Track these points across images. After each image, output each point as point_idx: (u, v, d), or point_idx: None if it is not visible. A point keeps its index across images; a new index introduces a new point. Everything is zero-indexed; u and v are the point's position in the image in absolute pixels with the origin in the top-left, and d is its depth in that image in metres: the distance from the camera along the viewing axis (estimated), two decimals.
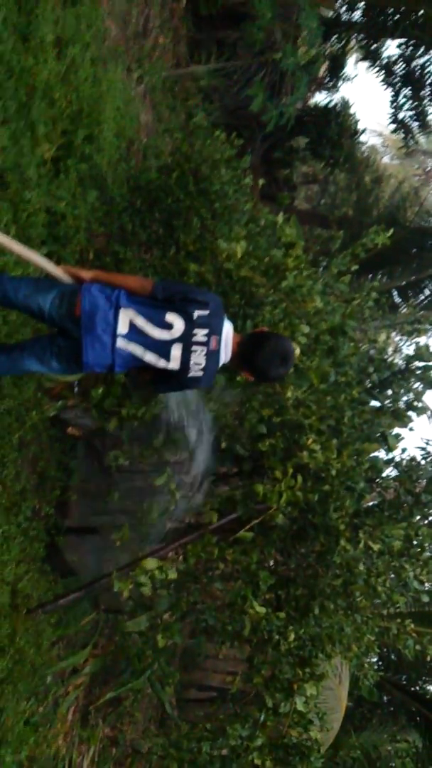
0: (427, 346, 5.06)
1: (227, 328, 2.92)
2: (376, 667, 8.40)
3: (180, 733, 4.54)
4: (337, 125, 12.05)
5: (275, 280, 4.38)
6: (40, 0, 4.40)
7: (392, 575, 4.43)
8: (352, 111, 12.55)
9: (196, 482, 4.90)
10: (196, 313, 2.80)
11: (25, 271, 4.09)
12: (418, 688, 9.36)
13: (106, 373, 2.96)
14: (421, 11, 10.78)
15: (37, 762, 4.27)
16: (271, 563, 4.96)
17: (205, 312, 2.82)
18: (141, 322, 2.78)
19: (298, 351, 3.80)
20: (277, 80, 8.98)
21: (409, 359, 4.93)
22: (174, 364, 2.82)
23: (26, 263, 4.09)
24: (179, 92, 8.50)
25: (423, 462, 5.05)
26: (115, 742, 5.74)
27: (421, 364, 4.98)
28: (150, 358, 2.80)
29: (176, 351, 2.80)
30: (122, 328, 2.76)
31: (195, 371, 2.85)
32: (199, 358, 2.83)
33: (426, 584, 4.47)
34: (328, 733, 5.91)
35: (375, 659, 8.76)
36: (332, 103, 12.66)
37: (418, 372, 4.94)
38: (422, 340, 5.70)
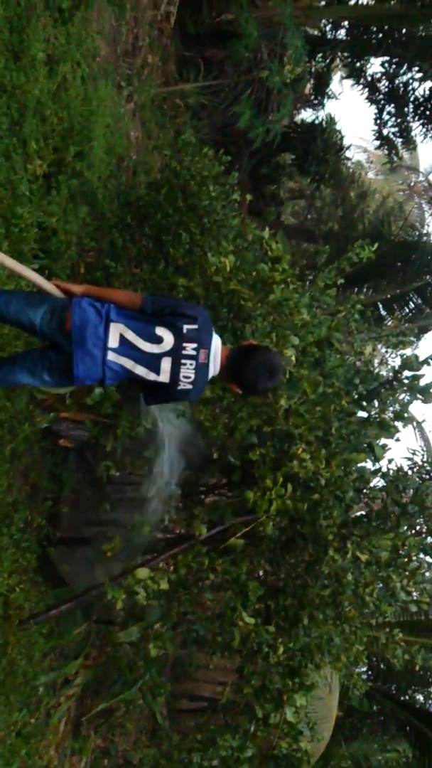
0: (416, 356, 5.16)
1: (216, 342, 2.97)
2: (365, 676, 8.44)
3: (171, 744, 4.56)
4: (323, 141, 12.23)
5: (263, 293, 4.45)
6: (32, 19, 4.49)
7: (380, 585, 4.48)
8: (337, 127, 12.71)
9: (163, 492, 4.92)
10: (185, 328, 2.85)
11: (17, 286, 4.14)
12: (407, 697, 9.39)
13: (97, 385, 3.01)
14: (404, 30, 11.00)
15: None
16: (261, 573, 5.00)
17: (194, 326, 2.86)
18: (131, 336, 2.82)
19: (293, 359, 3.87)
20: (263, 98, 9.14)
21: (397, 369, 5.01)
22: (164, 377, 2.87)
23: (17, 278, 4.15)
24: (168, 109, 8.62)
25: (409, 472, 5.12)
26: (107, 753, 5.73)
27: (409, 373, 5.06)
28: (140, 371, 2.85)
29: (166, 364, 2.85)
30: (113, 342, 2.80)
31: (184, 384, 2.90)
32: (188, 371, 2.87)
33: (414, 594, 4.52)
34: (319, 743, 5.92)
35: (364, 669, 8.80)
36: (318, 120, 12.85)
37: (406, 381, 5.02)
38: (407, 352, 5.78)
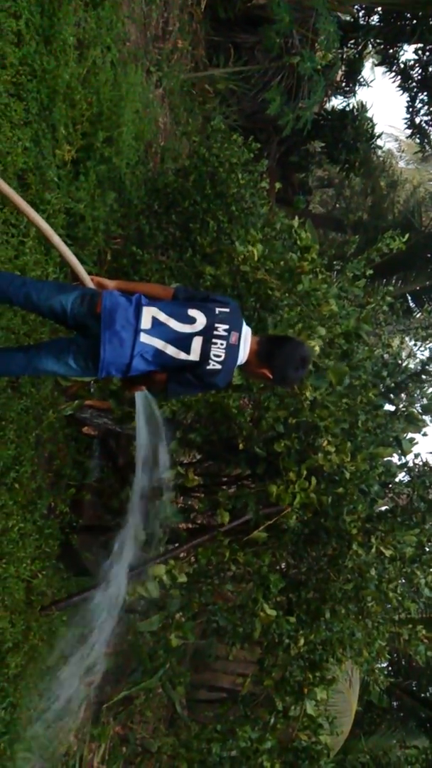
0: None
1: (246, 329, 3.00)
2: (386, 672, 8.38)
3: (190, 734, 4.56)
4: (353, 129, 12.06)
5: (291, 283, 4.40)
6: (63, 3, 4.44)
7: (404, 581, 4.43)
8: (368, 115, 12.52)
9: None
10: (217, 310, 2.91)
11: (44, 271, 4.13)
12: (428, 694, 9.34)
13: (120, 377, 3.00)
14: None
15: (48, 759, 4.30)
16: (283, 566, 4.97)
17: (226, 309, 2.92)
18: (163, 318, 2.86)
19: (317, 349, 3.83)
20: (294, 84, 9.02)
21: (426, 362, 4.93)
22: (194, 355, 2.88)
23: (45, 264, 4.14)
24: (197, 95, 8.55)
25: None
26: (126, 741, 5.76)
27: None
28: (171, 351, 2.86)
29: (197, 344, 2.88)
30: (145, 323, 2.83)
31: (214, 363, 2.90)
32: (218, 350, 2.89)
33: None
34: (338, 737, 5.89)
35: (385, 665, 8.74)
36: (348, 108, 12.65)
37: None
38: None
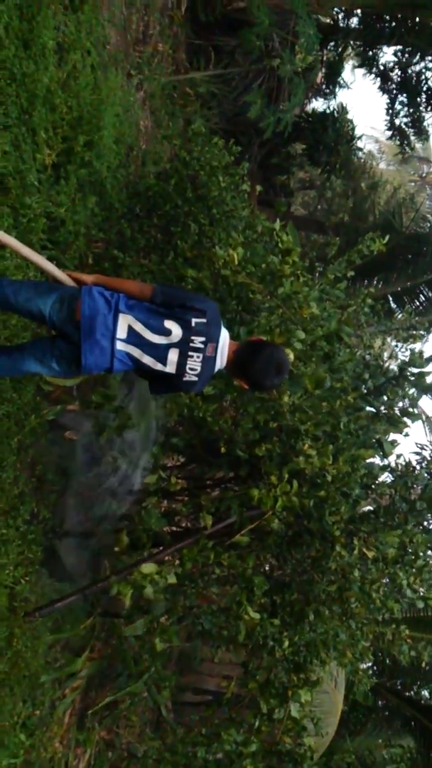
0: (421, 353, 5.11)
1: (224, 336, 2.98)
2: (371, 672, 8.43)
3: (175, 738, 4.56)
4: (334, 131, 12.11)
5: (272, 286, 4.41)
6: (42, 6, 4.43)
7: (387, 582, 4.46)
8: (348, 117, 12.58)
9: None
10: (194, 321, 2.85)
11: (25, 276, 4.11)
12: (412, 693, 9.39)
13: (105, 373, 3.02)
14: (417, 18, 10.85)
15: (33, 766, 4.28)
16: (267, 568, 4.99)
17: (203, 320, 2.87)
18: (139, 328, 2.83)
19: (292, 357, 3.84)
20: (274, 87, 9.04)
21: (402, 366, 4.97)
22: (170, 368, 2.88)
23: (26, 268, 4.12)
24: (178, 98, 8.54)
25: (418, 468, 5.08)
26: (111, 746, 5.75)
27: (415, 370, 5.02)
28: (147, 360, 2.86)
29: (173, 355, 2.86)
30: (121, 332, 2.82)
31: (190, 376, 2.91)
32: (194, 363, 2.89)
33: (420, 590, 4.49)
34: (324, 738, 5.92)
35: (370, 664, 8.79)
36: (329, 110, 12.71)
37: (412, 378, 4.98)
38: (417, 345, 5.72)
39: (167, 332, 2.84)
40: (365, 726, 8.54)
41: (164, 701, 5.61)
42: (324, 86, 14.00)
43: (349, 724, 8.36)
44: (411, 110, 12.90)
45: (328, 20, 11.84)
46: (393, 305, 12.94)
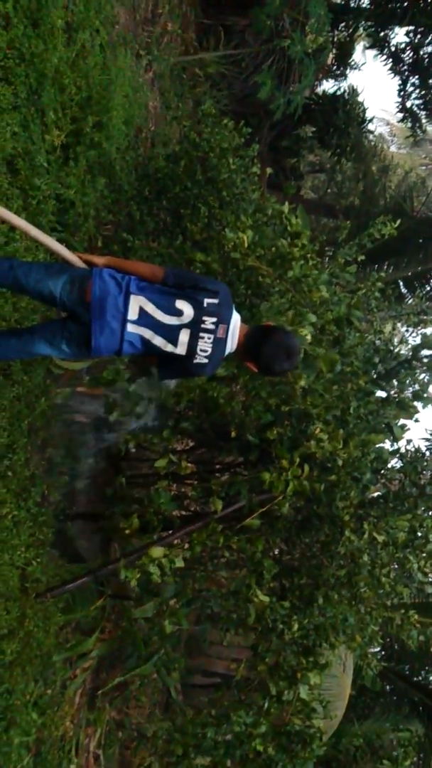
0: None
1: (235, 318, 2.97)
2: (379, 657, 8.46)
3: (185, 718, 4.59)
4: (345, 114, 11.96)
5: (281, 270, 4.38)
6: None
7: (396, 566, 4.46)
8: (359, 99, 12.43)
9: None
10: (206, 301, 2.85)
11: (36, 258, 4.10)
12: (420, 678, 9.43)
13: (114, 356, 3.01)
14: None
15: (44, 743, 4.33)
16: (276, 552, 4.99)
17: (215, 300, 2.86)
18: (150, 309, 2.82)
19: (309, 338, 3.82)
20: (285, 68, 8.92)
21: (416, 348, 4.93)
22: (181, 349, 2.88)
23: (36, 250, 4.11)
24: (187, 79, 8.46)
25: (428, 453, 5.06)
26: (121, 726, 5.81)
27: (428, 352, 4.99)
28: (158, 341, 2.86)
29: (184, 336, 2.86)
30: (132, 314, 2.81)
31: (200, 358, 2.90)
32: (205, 345, 2.88)
33: (430, 575, 4.49)
34: (332, 721, 5.95)
35: (378, 649, 8.83)
36: (340, 91, 12.56)
37: (426, 361, 4.95)
38: (428, 330, 5.69)
39: (179, 312, 2.83)
40: (373, 710, 8.59)
41: (173, 683, 5.66)
42: (335, 67, 13.80)
43: (357, 709, 8.40)
44: (423, 92, 12.70)
45: (338, 0, 11.66)
46: (403, 290, 12.84)
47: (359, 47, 15.09)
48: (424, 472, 4.86)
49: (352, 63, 13.95)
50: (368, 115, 12.58)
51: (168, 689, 6.09)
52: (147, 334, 2.83)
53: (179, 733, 4.35)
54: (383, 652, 9.24)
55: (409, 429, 4.72)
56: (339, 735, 7.11)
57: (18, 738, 3.80)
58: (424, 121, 13.53)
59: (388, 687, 9.01)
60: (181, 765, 4.27)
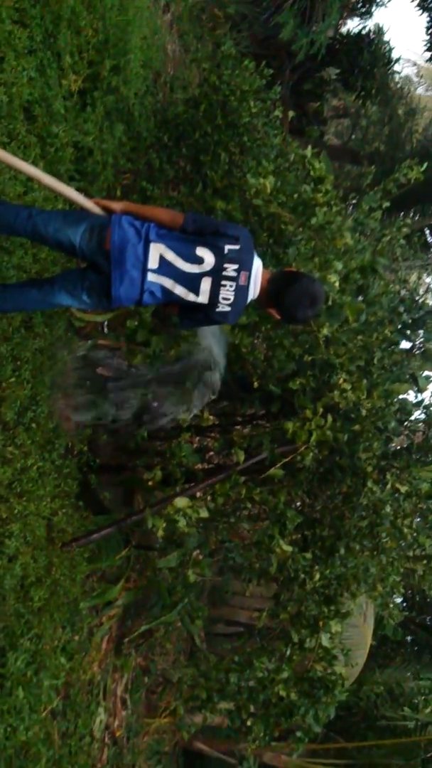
0: None
1: (257, 264, 2.91)
2: (400, 607, 8.54)
3: (209, 665, 4.69)
4: (370, 54, 11.53)
5: (304, 216, 4.27)
6: None
7: (419, 518, 4.45)
8: (385, 39, 11.95)
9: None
10: (227, 248, 2.79)
11: (54, 207, 4.03)
12: None
13: (134, 307, 2.99)
14: None
15: (73, 687, 4.46)
16: (298, 504, 5.01)
17: (236, 247, 2.80)
18: (171, 257, 2.78)
19: (337, 284, 3.73)
20: (307, 6, 8.57)
21: None
22: (203, 297, 2.83)
23: (54, 200, 4.04)
24: (206, 21, 8.17)
25: None
26: (147, 671, 5.98)
27: None
28: (179, 291, 2.81)
29: (205, 285, 2.81)
30: (152, 263, 2.77)
31: (223, 306, 2.86)
32: (227, 293, 2.83)
33: None
34: (353, 669, 6.06)
35: (400, 599, 8.90)
36: (365, 31, 12.08)
37: None
38: None
39: (200, 260, 2.77)
40: (394, 660, 8.72)
41: (197, 631, 5.78)
42: (359, 5, 13.21)
43: (378, 658, 8.54)
44: None
45: None
46: (430, 239, 12.56)
47: None
48: None
49: (378, 0, 13.36)
50: (395, 55, 12.10)
51: (192, 637, 6.24)
52: (168, 283, 2.79)
53: (203, 678, 4.45)
54: (404, 603, 9.34)
55: None
56: (360, 683, 7.25)
57: (47, 681, 3.91)
58: None
59: (409, 637, 9.13)
60: (205, 708, 4.39)
